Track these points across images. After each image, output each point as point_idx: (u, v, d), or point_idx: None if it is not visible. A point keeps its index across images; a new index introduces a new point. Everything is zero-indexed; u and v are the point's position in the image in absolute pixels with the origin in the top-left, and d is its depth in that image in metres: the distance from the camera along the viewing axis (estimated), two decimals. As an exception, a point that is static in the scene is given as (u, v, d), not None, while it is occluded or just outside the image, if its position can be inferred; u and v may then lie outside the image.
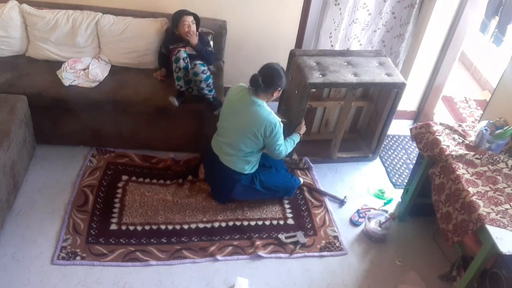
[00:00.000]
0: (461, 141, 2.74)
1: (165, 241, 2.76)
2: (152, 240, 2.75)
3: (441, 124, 2.85)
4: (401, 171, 3.60)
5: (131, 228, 2.79)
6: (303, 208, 3.12)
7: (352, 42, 3.83)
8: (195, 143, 3.34)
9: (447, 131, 2.80)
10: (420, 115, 4.15)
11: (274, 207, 3.09)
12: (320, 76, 3.08)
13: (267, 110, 2.73)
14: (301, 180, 3.27)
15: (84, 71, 3.18)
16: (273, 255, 2.78)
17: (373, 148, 3.62)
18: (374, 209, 3.18)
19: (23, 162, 2.94)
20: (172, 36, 3.25)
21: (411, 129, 2.95)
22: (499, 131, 2.68)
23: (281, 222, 3.00)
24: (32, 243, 2.63)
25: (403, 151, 3.82)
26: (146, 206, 2.95)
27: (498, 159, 2.60)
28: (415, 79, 3.92)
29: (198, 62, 3.01)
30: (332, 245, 2.90)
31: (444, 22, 3.62)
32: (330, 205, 3.19)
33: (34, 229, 2.71)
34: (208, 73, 3.03)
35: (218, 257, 2.70)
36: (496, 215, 2.25)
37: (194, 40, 3.15)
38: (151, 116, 3.18)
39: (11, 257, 2.54)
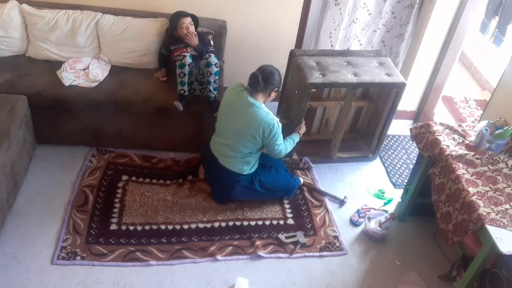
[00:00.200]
0: (461, 141, 2.74)
1: (165, 241, 2.76)
2: (152, 240, 2.75)
3: (441, 124, 2.85)
4: (401, 171, 3.60)
5: (131, 228, 2.79)
6: (303, 208, 3.12)
7: (352, 42, 3.83)
8: (195, 143, 3.34)
9: (447, 131, 2.80)
10: (420, 115, 4.15)
11: (274, 207, 3.09)
12: (320, 76, 3.08)
13: (265, 111, 2.73)
14: (301, 180, 3.28)
15: (84, 71, 3.18)
16: (273, 255, 2.78)
17: (373, 148, 3.62)
18: (374, 209, 3.18)
19: (23, 162, 2.94)
20: (172, 37, 3.25)
21: (411, 129, 2.95)
22: (499, 131, 2.68)
23: (281, 222, 3.00)
24: (32, 243, 2.63)
25: (403, 151, 3.82)
26: (146, 206, 2.95)
27: (498, 159, 2.60)
28: (415, 79, 3.92)
29: (212, 54, 3.03)
30: (332, 245, 2.90)
31: (444, 22, 3.62)
32: (330, 205, 3.19)
33: (34, 229, 2.71)
34: (218, 69, 3.05)
35: (218, 257, 2.70)
36: (496, 215, 2.25)
37: (194, 41, 3.15)
38: (151, 116, 3.18)
39: (11, 257, 2.54)
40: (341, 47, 3.82)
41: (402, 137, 3.96)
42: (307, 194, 3.23)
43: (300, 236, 2.88)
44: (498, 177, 2.51)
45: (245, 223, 2.95)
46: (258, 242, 2.82)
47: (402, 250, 2.94)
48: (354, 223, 3.08)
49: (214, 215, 2.96)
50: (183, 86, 3.03)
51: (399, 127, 4.03)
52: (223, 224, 2.92)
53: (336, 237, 2.95)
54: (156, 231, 2.80)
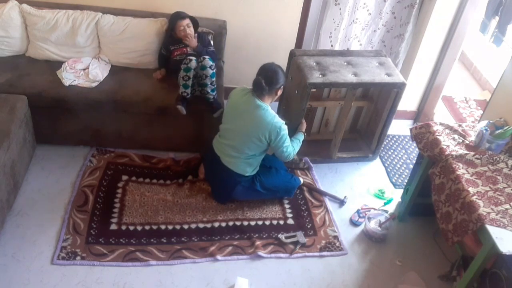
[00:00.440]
0: (461, 141, 2.74)
1: (165, 241, 2.75)
2: (152, 240, 2.75)
3: (441, 124, 2.85)
4: (401, 171, 3.60)
5: (131, 228, 2.79)
6: (303, 208, 3.12)
7: (352, 42, 3.83)
8: (195, 143, 3.34)
9: (447, 131, 2.80)
10: (420, 115, 4.15)
11: (274, 207, 3.09)
12: (320, 76, 3.08)
13: (271, 113, 2.74)
14: (301, 180, 3.28)
15: (84, 71, 3.18)
16: (273, 255, 2.78)
17: (373, 148, 3.62)
18: (374, 209, 3.18)
19: (23, 162, 2.94)
20: (171, 37, 3.24)
21: (411, 129, 2.95)
22: (499, 131, 2.68)
23: (281, 222, 3.00)
24: (32, 243, 2.63)
25: (403, 151, 3.82)
26: (146, 206, 2.95)
27: (498, 159, 2.60)
28: (415, 79, 3.92)
29: (206, 56, 3.02)
30: (332, 245, 2.90)
31: (444, 22, 3.62)
32: (330, 205, 3.19)
33: (34, 229, 2.71)
34: (215, 70, 3.05)
35: (218, 257, 2.70)
36: (496, 215, 2.25)
37: (193, 43, 3.15)
38: (151, 116, 3.18)
39: (11, 257, 2.54)
40: (341, 47, 3.82)
41: (402, 137, 3.96)
42: (307, 194, 3.23)
43: (300, 236, 2.88)
44: (498, 177, 2.51)
45: (245, 223, 2.95)
46: (258, 242, 2.82)
47: (402, 250, 2.94)
48: (354, 223, 3.08)
49: (214, 215, 2.96)
50: (186, 89, 3.03)
51: (399, 127, 4.03)
52: (223, 224, 2.92)
53: (336, 237, 2.95)
54: (156, 231, 2.80)
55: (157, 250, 2.69)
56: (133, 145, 3.34)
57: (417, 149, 2.99)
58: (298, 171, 3.42)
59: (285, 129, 2.77)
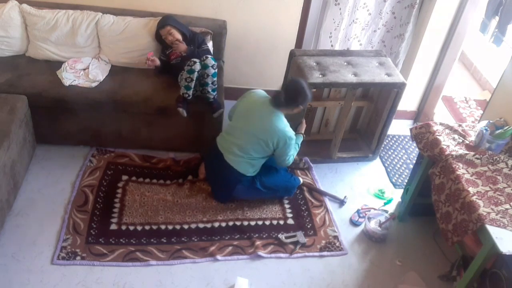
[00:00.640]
0: (461, 141, 2.74)
1: (165, 241, 2.75)
2: (152, 240, 2.75)
3: (441, 124, 2.85)
4: (401, 171, 3.60)
5: (131, 228, 2.79)
6: (303, 208, 3.12)
7: (352, 42, 3.83)
8: (195, 143, 3.34)
9: (447, 131, 2.80)
10: (420, 115, 4.15)
11: (274, 207, 3.09)
12: (320, 76, 3.08)
13: (284, 122, 2.78)
14: (301, 180, 3.28)
15: (84, 71, 3.19)
16: (273, 255, 2.78)
17: (373, 148, 3.62)
18: (374, 209, 3.18)
19: (23, 162, 2.94)
20: (164, 42, 3.25)
21: (411, 129, 2.95)
22: (499, 131, 2.68)
23: (281, 222, 3.00)
24: (32, 243, 2.63)
25: (403, 151, 3.82)
26: (146, 206, 2.95)
27: (498, 159, 2.60)
28: (415, 79, 3.92)
29: (209, 56, 3.02)
30: (332, 245, 2.90)
31: (444, 22, 3.62)
32: (330, 205, 3.19)
33: (34, 229, 2.71)
34: (217, 70, 3.05)
35: (218, 257, 2.70)
36: (496, 215, 2.25)
37: (181, 48, 3.15)
38: (151, 116, 3.18)
39: (11, 257, 2.54)
40: (341, 47, 3.82)
41: (402, 137, 3.96)
42: (307, 194, 3.23)
43: (300, 236, 2.88)
44: (498, 177, 2.51)
45: (245, 223, 2.95)
46: (258, 242, 2.82)
47: (402, 250, 2.94)
48: (354, 223, 3.08)
49: (214, 215, 2.96)
50: (189, 90, 3.02)
51: (399, 127, 4.03)
52: (223, 224, 2.92)
53: (336, 237, 2.95)
54: (156, 231, 2.80)
55: (157, 250, 2.69)
56: (133, 145, 3.34)
57: (417, 149, 2.99)
58: (298, 171, 3.42)
59: (294, 139, 2.81)
